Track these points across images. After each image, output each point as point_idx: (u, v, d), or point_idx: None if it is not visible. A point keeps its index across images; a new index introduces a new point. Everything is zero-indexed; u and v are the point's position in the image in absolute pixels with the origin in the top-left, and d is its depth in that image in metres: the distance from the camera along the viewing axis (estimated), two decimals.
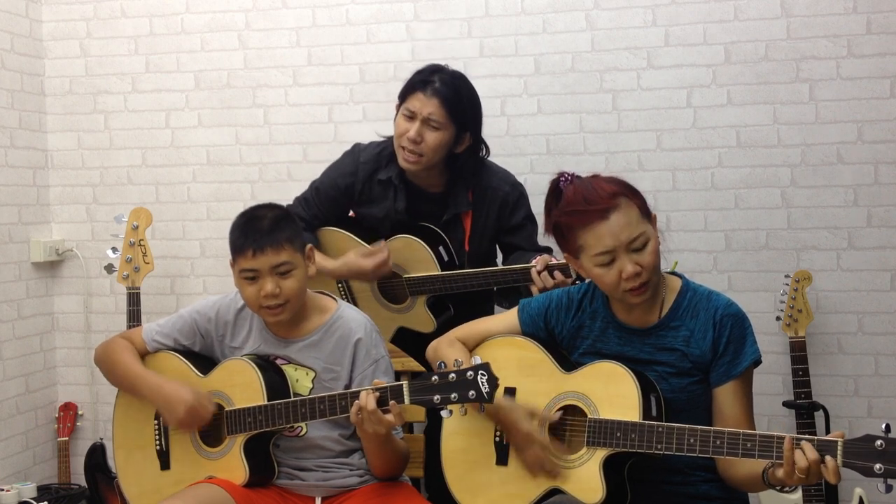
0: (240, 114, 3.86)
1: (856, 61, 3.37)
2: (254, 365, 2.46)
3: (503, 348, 2.42)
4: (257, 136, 3.85)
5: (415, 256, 2.99)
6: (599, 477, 2.17)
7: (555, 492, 2.25)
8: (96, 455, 3.70)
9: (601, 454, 2.18)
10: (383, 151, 3.05)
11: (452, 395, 2.15)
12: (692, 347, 2.25)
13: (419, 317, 3.03)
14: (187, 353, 2.60)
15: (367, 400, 2.23)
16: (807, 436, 1.96)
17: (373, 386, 2.27)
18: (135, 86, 3.94)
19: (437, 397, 2.16)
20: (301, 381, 2.51)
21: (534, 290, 2.78)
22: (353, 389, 2.34)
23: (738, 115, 3.46)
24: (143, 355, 2.63)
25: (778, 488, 2.06)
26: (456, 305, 3.06)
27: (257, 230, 2.43)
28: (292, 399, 2.40)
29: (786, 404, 3.28)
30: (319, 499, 2.50)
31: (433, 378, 2.17)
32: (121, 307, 3.75)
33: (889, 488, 1.88)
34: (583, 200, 2.19)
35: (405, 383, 2.22)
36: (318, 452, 2.51)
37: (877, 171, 3.38)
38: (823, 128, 3.40)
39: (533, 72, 3.61)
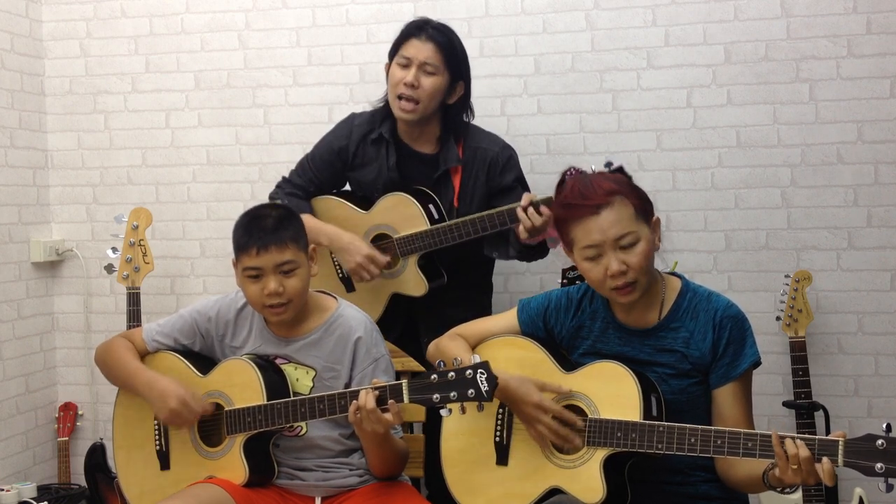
0: (240, 114, 3.86)
1: (856, 61, 3.37)
2: (253, 365, 2.47)
3: (503, 348, 2.42)
4: (257, 136, 3.85)
5: (405, 213, 2.99)
6: (600, 477, 2.17)
7: (555, 492, 2.25)
8: (96, 455, 3.70)
9: (601, 454, 2.18)
10: (376, 114, 3.11)
11: (452, 394, 2.14)
12: (692, 349, 2.25)
13: (410, 279, 3.02)
14: (187, 353, 2.61)
15: (366, 399, 2.23)
16: (807, 436, 1.96)
17: (372, 385, 2.27)
18: (135, 86, 3.94)
19: (436, 396, 2.16)
20: (301, 380, 2.51)
21: (520, 230, 2.77)
22: (353, 389, 2.34)
23: (738, 115, 3.46)
24: (144, 355, 2.63)
25: (778, 489, 2.06)
26: (449, 273, 3.06)
27: (262, 228, 2.44)
28: (292, 399, 2.40)
29: (786, 404, 3.27)
30: (319, 498, 2.50)
31: (432, 377, 2.17)
32: (121, 307, 3.75)
33: (890, 487, 1.88)
34: (579, 194, 2.22)
35: (404, 382, 2.22)
36: (317, 452, 2.51)
37: (877, 171, 3.38)
38: (823, 128, 3.40)
39: (533, 72, 3.61)
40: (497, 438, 2.36)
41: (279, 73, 3.82)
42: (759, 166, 3.46)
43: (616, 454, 2.18)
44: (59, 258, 3.98)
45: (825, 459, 1.92)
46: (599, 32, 3.55)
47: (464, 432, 2.42)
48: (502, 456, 2.35)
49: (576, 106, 3.58)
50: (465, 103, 3.07)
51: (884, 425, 1.90)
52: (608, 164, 2.35)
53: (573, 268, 3.07)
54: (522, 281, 3.62)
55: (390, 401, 2.23)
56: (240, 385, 2.47)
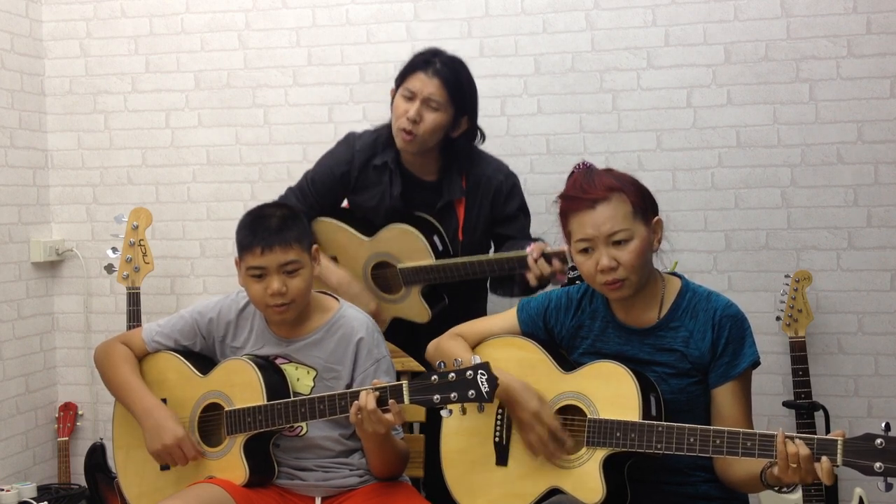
0: (240, 114, 3.86)
1: (856, 61, 3.37)
2: (253, 365, 2.46)
3: (503, 348, 2.42)
4: (257, 136, 3.85)
5: (409, 246, 2.99)
6: (599, 477, 2.17)
7: (555, 492, 2.25)
8: (96, 455, 3.70)
9: (601, 454, 2.18)
10: (379, 138, 3.05)
11: (452, 395, 2.15)
12: (691, 348, 2.25)
13: (414, 307, 3.03)
14: (187, 354, 2.60)
15: (367, 400, 2.23)
16: (806, 435, 1.96)
17: (372, 386, 2.27)
18: (135, 86, 3.94)
19: (436, 397, 2.16)
20: (302, 380, 2.51)
21: (529, 276, 2.77)
22: (353, 389, 2.34)
23: (738, 115, 3.46)
24: (144, 356, 2.63)
25: (776, 489, 2.06)
26: (450, 295, 3.06)
27: (266, 228, 2.44)
28: (292, 399, 2.40)
29: (786, 404, 3.27)
30: (319, 499, 2.50)
31: (433, 378, 2.17)
32: (121, 307, 3.75)
33: (889, 487, 1.88)
34: (579, 188, 2.23)
35: (405, 383, 2.22)
36: (318, 452, 2.51)
37: (877, 171, 3.38)
38: (823, 128, 3.40)
39: (533, 72, 3.61)
40: (497, 439, 2.36)
41: (279, 73, 3.82)
42: (759, 166, 3.46)
43: (615, 454, 2.18)
44: (59, 258, 3.99)
45: (824, 459, 1.92)
46: (599, 32, 3.55)
47: (463, 433, 2.42)
48: (502, 456, 2.35)
49: (576, 106, 3.58)
50: (470, 136, 3.02)
51: (882, 424, 1.90)
52: (581, 164, 2.37)
53: (573, 267, 3.07)
54: None
55: (391, 400, 2.23)
56: (240, 385, 2.47)
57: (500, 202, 3.03)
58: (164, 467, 2.55)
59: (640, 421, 2.14)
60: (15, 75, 3.81)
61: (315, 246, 2.55)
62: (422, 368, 2.74)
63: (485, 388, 2.12)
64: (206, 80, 3.88)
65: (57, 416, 3.95)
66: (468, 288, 3.04)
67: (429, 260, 2.96)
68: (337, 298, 2.62)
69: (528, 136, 3.61)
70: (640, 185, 2.27)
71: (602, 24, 3.55)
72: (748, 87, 3.45)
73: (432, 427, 2.60)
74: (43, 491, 3.68)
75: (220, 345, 2.61)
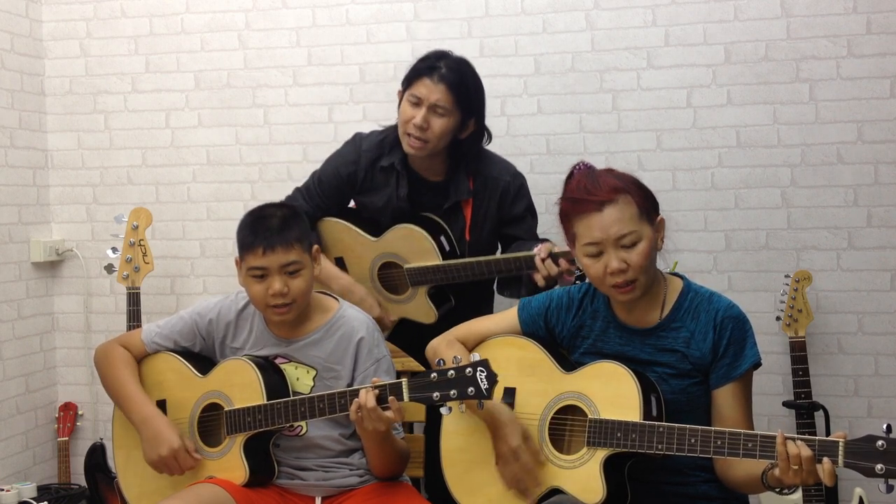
0: (240, 114, 3.86)
1: (856, 61, 3.37)
2: (253, 365, 2.46)
3: (503, 348, 2.41)
4: (257, 136, 3.85)
5: (416, 246, 2.98)
6: (600, 477, 2.17)
7: (555, 492, 2.25)
8: (96, 455, 3.70)
9: (601, 454, 2.18)
10: (385, 139, 3.04)
11: (451, 392, 2.14)
12: (692, 349, 2.25)
13: (420, 307, 3.03)
14: (187, 354, 2.60)
15: (367, 397, 2.23)
16: (807, 436, 1.96)
17: (372, 384, 2.27)
18: (135, 86, 3.94)
19: (436, 394, 2.16)
20: (302, 380, 2.51)
21: (537, 277, 2.78)
22: (352, 388, 2.34)
23: (738, 115, 3.46)
24: (143, 357, 2.63)
25: (777, 490, 2.06)
26: (457, 296, 3.06)
27: (267, 228, 2.44)
28: (292, 398, 2.40)
29: (786, 404, 3.27)
30: (319, 498, 2.50)
31: (432, 375, 2.17)
32: (121, 307, 3.75)
33: (890, 488, 1.88)
34: (584, 189, 2.21)
35: (404, 380, 2.22)
36: (318, 452, 2.51)
37: (877, 171, 3.38)
38: (823, 128, 3.40)
39: (533, 72, 3.61)
40: None
41: (279, 73, 3.82)
42: (759, 166, 3.46)
43: (616, 454, 2.18)
44: (59, 258, 3.98)
45: (825, 460, 1.92)
46: (599, 32, 3.55)
47: (463, 432, 2.42)
48: None
49: (576, 106, 3.58)
50: (477, 137, 3.02)
51: (884, 426, 1.89)
52: (580, 164, 2.36)
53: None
54: None
55: (391, 397, 2.23)
56: (240, 385, 2.47)
57: (508, 203, 3.03)
58: None
59: (641, 421, 2.14)
60: (15, 75, 3.81)
61: (315, 246, 2.55)
62: (423, 369, 2.74)
63: (484, 385, 2.12)
64: (206, 80, 3.88)
65: (57, 416, 3.95)
66: (475, 289, 3.04)
67: (436, 260, 2.96)
68: (337, 298, 2.62)
69: (528, 136, 3.61)
70: (642, 184, 2.27)
71: (602, 24, 3.55)
72: (748, 87, 3.45)
73: (432, 427, 2.61)
74: (43, 491, 3.68)
75: (220, 345, 2.60)
